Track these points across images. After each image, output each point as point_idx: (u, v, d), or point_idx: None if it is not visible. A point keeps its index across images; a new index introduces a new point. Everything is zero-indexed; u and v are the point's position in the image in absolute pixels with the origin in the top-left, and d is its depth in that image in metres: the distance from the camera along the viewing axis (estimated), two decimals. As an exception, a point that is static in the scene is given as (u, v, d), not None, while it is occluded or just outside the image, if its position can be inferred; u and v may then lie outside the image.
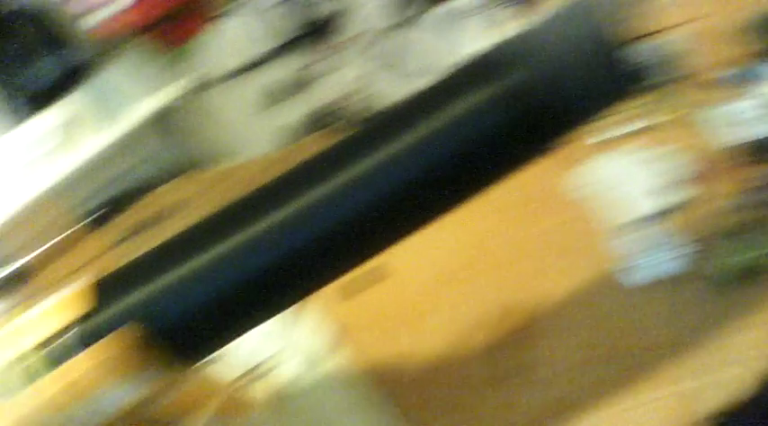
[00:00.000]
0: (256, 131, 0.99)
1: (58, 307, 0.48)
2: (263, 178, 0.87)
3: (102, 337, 0.46)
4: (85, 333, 0.47)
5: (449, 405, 0.68)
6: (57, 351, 0.47)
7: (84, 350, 0.46)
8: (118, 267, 0.50)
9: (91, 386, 0.46)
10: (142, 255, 0.50)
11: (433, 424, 0.68)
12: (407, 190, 0.47)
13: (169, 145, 0.92)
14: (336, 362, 0.73)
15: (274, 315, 0.51)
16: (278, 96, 1.01)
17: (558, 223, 0.73)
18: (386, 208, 0.48)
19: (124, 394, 0.47)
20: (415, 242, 0.51)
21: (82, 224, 0.87)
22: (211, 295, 0.47)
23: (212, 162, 0.95)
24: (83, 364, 0.46)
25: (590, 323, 0.68)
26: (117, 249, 0.83)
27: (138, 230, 0.85)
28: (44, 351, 0.47)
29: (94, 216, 0.88)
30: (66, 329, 0.47)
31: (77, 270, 0.82)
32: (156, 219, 0.85)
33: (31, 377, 0.46)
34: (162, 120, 0.89)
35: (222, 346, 0.50)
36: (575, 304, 0.69)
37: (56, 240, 0.84)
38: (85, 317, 0.47)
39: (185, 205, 0.85)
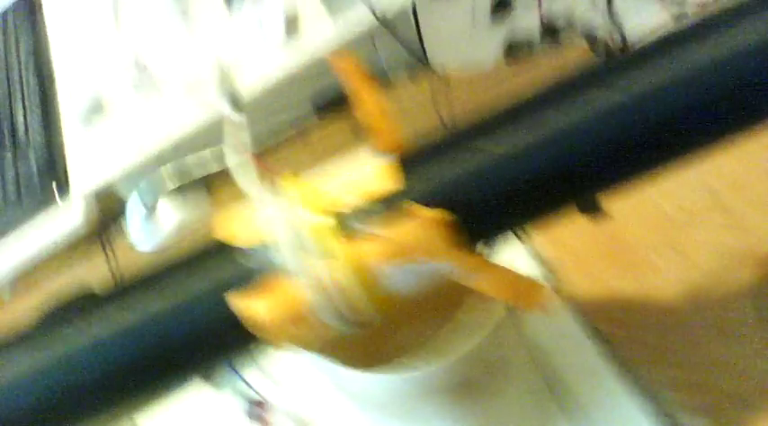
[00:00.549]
0: (479, 44, 0.95)
1: (360, 180, 0.45)
2: (487, 90, 0.84)
3: (404, 216, 0.43)
4: (389, 210, 0.44)
5: (675, 351, 0.63)
6: (355, 225, 0.44)
7: (384, 227, 0.43)
8: (421, 145, 0.46)
9: (387, 265, 0.43)
10: (449, 135, 0.46)
11: (648, 368, 0.63)
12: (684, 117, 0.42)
13: (391, 48, 0.88)
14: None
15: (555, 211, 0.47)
16: (503, 10, 0.96)
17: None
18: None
19: (418, 276, 0.44)
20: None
21: (308, 118, 0.86)
22: (517, 181, 0.43)
23: (433, 70, 0.92)
24: (377, 244, 0.43)
25: None
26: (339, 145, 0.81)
27: (359, 129, 0.82)
28: (341, 224, 0.44)
29: (320, 111, 0.86)
30: (369, 203, 0.44)
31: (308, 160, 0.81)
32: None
33: (324, 248, 0.43)
34: (388, 24, 0.85)
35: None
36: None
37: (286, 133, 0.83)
38: (390, 194, 0.44)
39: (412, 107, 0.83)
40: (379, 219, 0.43)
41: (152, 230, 0.88)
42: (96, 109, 0.90)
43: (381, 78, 0.87)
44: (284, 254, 0.43)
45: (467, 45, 0.95)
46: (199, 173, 0.88)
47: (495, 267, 0.45)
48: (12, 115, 0.98)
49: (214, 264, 0.46)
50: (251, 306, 0.43)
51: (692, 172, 0.69)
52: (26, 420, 0.47)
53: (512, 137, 0.44)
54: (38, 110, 0.96)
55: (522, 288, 0.47)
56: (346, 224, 0.43)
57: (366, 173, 0.44)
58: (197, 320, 0.46)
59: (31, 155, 0.92)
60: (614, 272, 0.67)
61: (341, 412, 0.69)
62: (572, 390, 0.65)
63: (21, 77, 1.02)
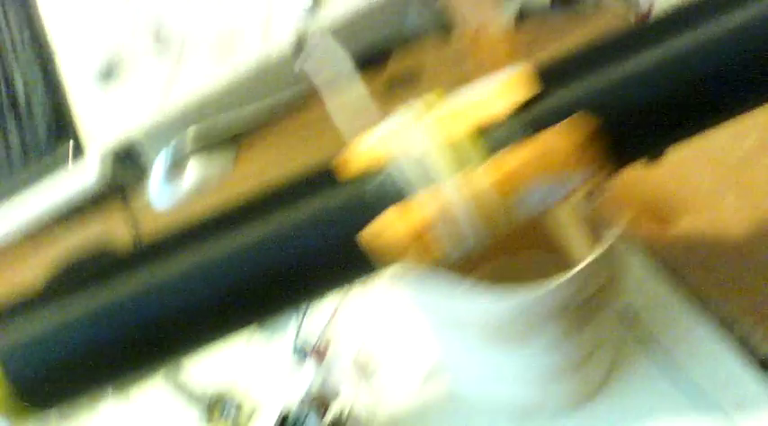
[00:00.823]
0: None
1: (497, 91, 0.44)
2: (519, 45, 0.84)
3: (546, 126, 0.43)
4: (528, 121, 0.43)
5: (744, 283, 0.65)
6: (494, 139, 0.43)
7: (525, 139, 0.43)
8: (561, 55, 0.46)
9: (527, 179, 0.43)
10: (587, 49, 0.46)
11: (718, 299, 0.65)
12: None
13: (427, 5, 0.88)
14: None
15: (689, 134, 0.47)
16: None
17: None
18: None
19: (558, 190, 0.44)
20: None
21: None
22: (668, 90, 0.43)
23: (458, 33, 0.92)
24: (522, 154, 0.43)
25: None
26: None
27: (394, 84, 0.82)
28: (480, 137, 0.43)
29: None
30: (507, 115, 0.43)
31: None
32: (413, 76, 0.82)
33: (463, 163, 0.43)
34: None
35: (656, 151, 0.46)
36: None
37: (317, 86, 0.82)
38: (529, 103, 0.43)
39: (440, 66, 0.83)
40: (518, 131, 0.43)
41: (172, 188, 0.85)
42: (112, 71, 0.87)
43: (411, 40, 0.86)
44: (415, 172, 0.42)
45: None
46: (225, 134, 0.86)
47: (624, 185, 0.45)
48: (8, 82, 0.94)
49: (324, 191, 0.45)
50: (377, 227, 0.42)
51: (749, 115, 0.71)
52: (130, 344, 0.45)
53: (652, 52, 0.43)
54: (39, 76, 0.93)
55: (656, 205, 0.47)
56: (485, 137, 0.43)
57: (501, 83, 0.44)
58: (303, 247, 0.44)
59: (37, 118, 0.88)
60: (680, 212, 0.68)
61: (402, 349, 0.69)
62: (646, 322, 0.66)
63: (14, 47, 0.98)
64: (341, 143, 0.82)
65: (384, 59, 0.85)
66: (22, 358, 0.43)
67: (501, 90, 0.44)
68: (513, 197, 0.42)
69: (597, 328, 0.56)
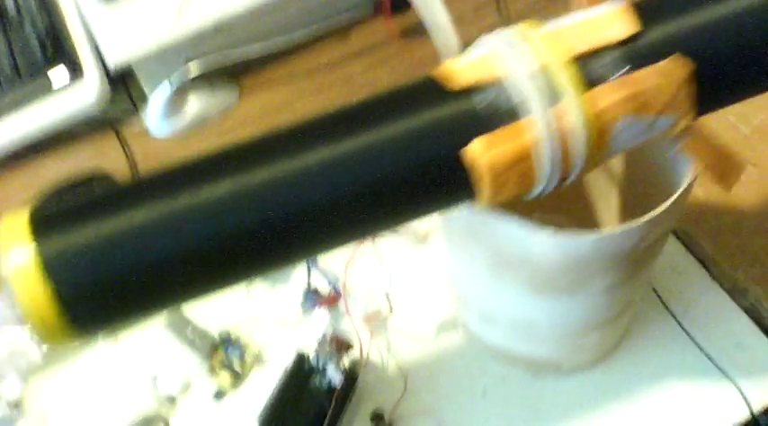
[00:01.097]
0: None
1: (598, 24, 0.43)
2: None
3: (645, 64, 0.42)
4: (628, 57, 0.42)
5: (755, 251, 0.66)
6: (594, 71, 0.42)
7: (621, 74, 0.42)
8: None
9: (623, 116, 0.42)
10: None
11: (730, 265, 0.66)
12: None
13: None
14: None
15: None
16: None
17: None
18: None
19: (649, 130, 0.43)
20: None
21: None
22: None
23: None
24: (620, 90, 0.41)
25: None
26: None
27: (412, 31, 0.80)
28: (580, 68, 0.42)
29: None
30: (607, 48, 0.42)
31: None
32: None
33: (557, 93, 0.41)
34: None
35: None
36: None
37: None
38: (629, 39, 0.42)
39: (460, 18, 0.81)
40: (617, 65, 0.41)
41: (173, 117, 0.81)
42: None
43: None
44: (519, 94, 0.41)
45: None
46: (230, 70, 0.82)
47: (709, 134, 0.45)
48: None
49: (431, 100, 0.42)
50: (478, 144, 0.40)
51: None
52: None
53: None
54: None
55: (724, 161, 0.46)
56: (584, 68, 0.41)
57: (602, 16, 0.42)
58: (405, 159, 0.41)
59: (30, 37, 0.82)
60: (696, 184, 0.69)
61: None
62: (658, 290, 0.67)
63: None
64: (349, 87, 0.82)
65: (405, 8, 0.83)
66: (71, 269, 0.39)
67: (602, 23, 0.42)
68: (608, 132, 0.41)
69: (635, 286, 0.56)
